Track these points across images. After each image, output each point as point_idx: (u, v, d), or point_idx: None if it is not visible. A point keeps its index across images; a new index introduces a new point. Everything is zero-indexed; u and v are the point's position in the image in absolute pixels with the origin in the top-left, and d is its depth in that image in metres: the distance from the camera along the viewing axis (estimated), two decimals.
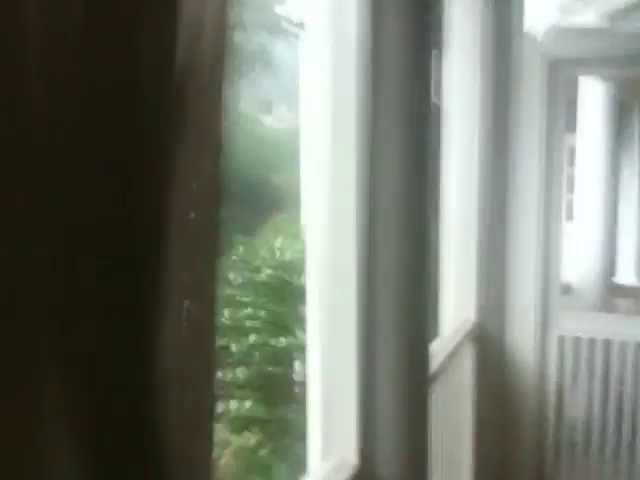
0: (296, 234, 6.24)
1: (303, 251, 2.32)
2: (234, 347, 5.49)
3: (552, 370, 3.73)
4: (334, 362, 2.09)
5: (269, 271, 5.79)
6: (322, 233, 2.06)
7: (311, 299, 2.12)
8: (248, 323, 5.56)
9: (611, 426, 3.80)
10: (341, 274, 2.06)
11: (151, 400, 0.82)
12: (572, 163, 7.54)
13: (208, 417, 1.01)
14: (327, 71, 1.89)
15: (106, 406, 0.79)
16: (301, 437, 2.25)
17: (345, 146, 1.96)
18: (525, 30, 3.52)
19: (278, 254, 5.97)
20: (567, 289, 6.55)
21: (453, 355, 2.89)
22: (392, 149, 2.03)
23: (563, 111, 3.69)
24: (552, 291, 3.69)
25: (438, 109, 3.09)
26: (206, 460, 0.98)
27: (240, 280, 5.94)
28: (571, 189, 7.57)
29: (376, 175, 2.03)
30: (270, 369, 5.46)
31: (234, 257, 5.71)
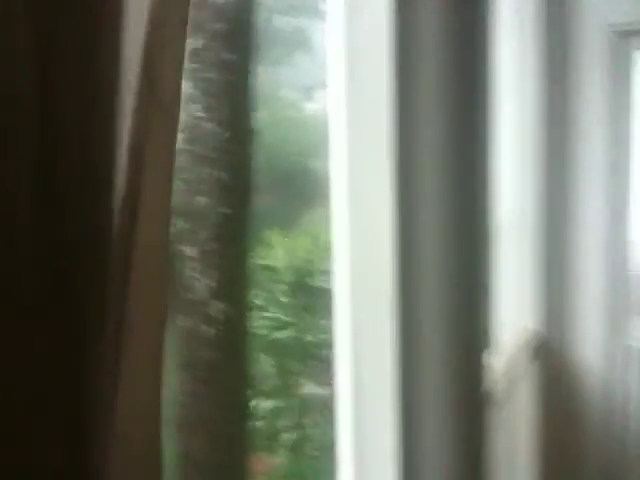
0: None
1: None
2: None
3: (621, 386, 3.38)
4: (367, 381, 1.82)
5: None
6: (351, 231, 1.79)
7: (339, 305, 1.86)
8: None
9: None
10: (374, 275, 1.79)
11: None
12: None
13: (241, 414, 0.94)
14: (354, 49, 1.62)
15: None
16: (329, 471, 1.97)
17: (377, 133, 1.68)
18: None
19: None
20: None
21: (511, 370, 2.56)
22: (433, 135, 1.77)
23: (630, 90, 3.31)
24: (621, 293, 3.33)
25: (486, 88, 2.78)
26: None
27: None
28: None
29: (415, 165, 1.76)
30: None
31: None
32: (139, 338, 0.75)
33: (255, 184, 3.68)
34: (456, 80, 1.75)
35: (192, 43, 3.45)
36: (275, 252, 5.68)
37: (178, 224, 3.59)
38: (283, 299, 5.72)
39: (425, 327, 1.81)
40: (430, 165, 1.74)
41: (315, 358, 5.09)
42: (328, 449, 1.89)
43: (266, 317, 5.21)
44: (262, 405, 4.80)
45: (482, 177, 2.19)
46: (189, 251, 3.46)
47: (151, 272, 0.77)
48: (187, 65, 3.37)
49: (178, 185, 3.94)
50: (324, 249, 5.71)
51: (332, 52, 1.95)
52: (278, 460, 4.78)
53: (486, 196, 2.85)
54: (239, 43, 3.51)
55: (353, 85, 1.71)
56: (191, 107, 3.49)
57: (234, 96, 3.48)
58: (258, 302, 5.09)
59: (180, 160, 3.73)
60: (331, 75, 1.92)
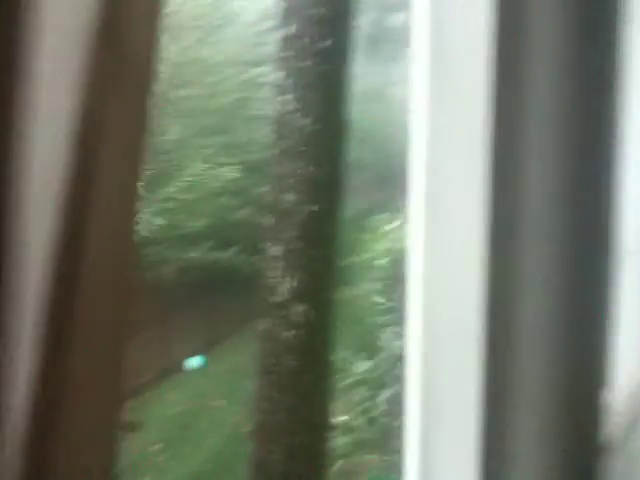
0: None
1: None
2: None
3: None
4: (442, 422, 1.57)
5: None
6: (432, 250, 1.54)
7: (412, 325, 1.61)
8: None
9: None
10: (459, 293, 1.54)
11: None
12: None
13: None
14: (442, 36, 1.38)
15: None
16: None
17: (472, 138, 1.42)
18: None
19: None
20: None
21: (631, 411, 2.22)
22: (541, 142, 1.50)
23: None
24: None
25: (612, 89, 2.46)
26: None
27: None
28: None
29: (517, 177, 1.50)
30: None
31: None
32: (88, 339, 0.59)
33: (346, 181, 3.44)
34: (575, 81, 1.46)
35: (284, 29, 3.26)
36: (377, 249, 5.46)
37: (264, 221, 3.41)
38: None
39: (527, 359, 1.52)
40: (537, 177, 1.46)
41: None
42: None
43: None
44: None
45: (604, 193, 1.87)
46: (273, 250, 3.28)
47: (107, 264, 0.59)
48: (279, 53, 3.16)
49: (265, 180, 3.77)
50: None
51: (421, 49, 1.67)
52: None
53: (608, 216, 2.50)
54: (336, 30, 3.28)
55: (442, 82, 1.46)
56: (282, 98, 3.29)
57: (328, 87, 3.26)
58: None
59: (268, 154, 3.56)
60: (420, 75, 1.65)
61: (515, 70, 1.43)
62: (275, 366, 3.22)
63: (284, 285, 3.19)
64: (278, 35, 3.33)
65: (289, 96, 3.24)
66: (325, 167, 3.27)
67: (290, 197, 3.22)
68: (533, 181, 1.47)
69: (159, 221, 11.25)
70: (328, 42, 3.19)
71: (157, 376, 11.15)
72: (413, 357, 1.59)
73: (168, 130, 11.86)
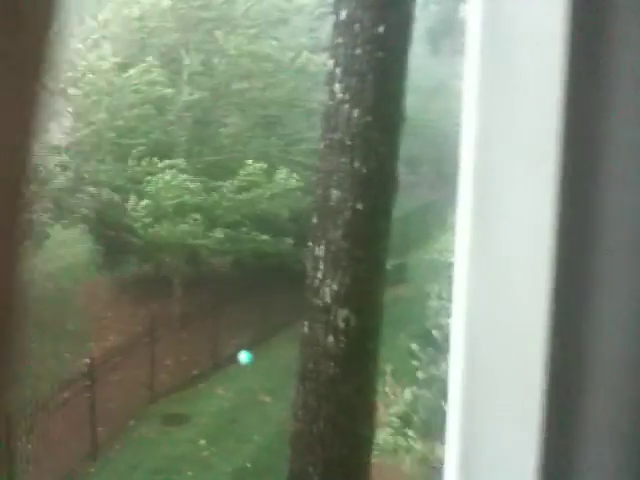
0: None
1: None
2: None
3: None
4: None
5: None
6: (484, 247, 1.28)
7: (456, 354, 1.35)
8: None
9: None
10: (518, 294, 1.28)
11: None
12: None
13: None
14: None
15: None
16: None
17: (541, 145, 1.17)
18: None
19: None
20: None
21: None
22: (624, 133, 1.21)
23: None
24: None
25: None
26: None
27: None
28: None
29: (593, 169, 1.23)
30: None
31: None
32: None
33: (397, 177, 3.20)
34: None
35: (334, 15, 3.05)
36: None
37: (310, 220, 3.21)
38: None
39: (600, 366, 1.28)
40: (617, 180, 1.22)
41: None
42: None
43: None
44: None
45: None
46: (318, 250, 3.07)
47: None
48: (328, 39, 2.93)
49: (311, 175, 3.57)
50: None
51: (477, 41, 1.40)
52: None
53: None
54: (391, 16, 3.05)
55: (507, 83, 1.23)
56: (331, 87, 3.08)
57: (382, 76, 3.03)
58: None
59: (314, 147, 3.35)
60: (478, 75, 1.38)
61: (593, 67, 1.20)
62: (314, 372, 3.03)
63: (326, 288, 2.99)
64: (332, 21, 3.13)
65: (338, 85, 3.03)
66: (373, 162, 3.05)
67: (335, 194, 3.01)
68: (613, 185, 1.23)
69: (216, 213, 11.19)
70: (381, 29, 2.96)
71: (206, 369, 11.10)
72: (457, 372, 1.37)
73: (227, 122, 11.77)
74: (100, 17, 12.15)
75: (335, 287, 2.93)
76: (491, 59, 1.27)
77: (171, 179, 10.82)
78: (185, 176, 10.89)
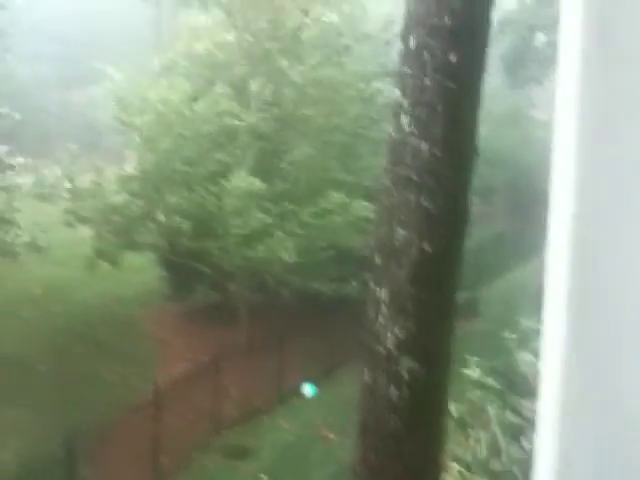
0: None
1: None
2: None
3: None
4: None
5: None
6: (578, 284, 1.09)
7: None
8: None
9: None
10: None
11: None
12: None
13: None
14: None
15: None
16: None
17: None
18: None
19: None
20: None
21: None
22: None
23: None
24: None
25: None
26: None
27: None
28: None
29: None
30: None
31: None
32: None
33: (469, 216, 2.97)
34: None
35: (401, 42, 2.86)
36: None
37: (374, 260, 2.99)
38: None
39: None
40: None
41: None
42: None
43: None
44: None
45: None
46: (380, 292, 2.86)
47: None
48: (395, 68, 2.69)
49: (376, 211, 3.35)
50: None
51: (571, 70, 1.19)
52: None
53: None
54: (465, 43, 2.84)
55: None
56: (397, 119, 2.88)
57: (453, 108, 2.81)
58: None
59: (381, 183, 3.12)
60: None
61: None
62: (375, 426, 2.80)
63: (389, 334, 2.76)
64: (399, 49, 2.93)
65: (405, 117, 2.82)
66: (443, 199, 2.82)
67: (400, 232, 2.80)
68: None
69: (287, 243, 11.05)
70: (452, 57, 2.75)
71: (270, 401, 10.93)
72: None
73: (294, 149, 11.70)
74: (169, 52, 12.35)
75: (399, 334, 2.71)
76: (591, 89, 1.03)
77: (241, 207, 10.78)
78: (255, 204, 10.84)
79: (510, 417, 4.62)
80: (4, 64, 16.13)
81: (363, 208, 10.83)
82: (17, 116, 12.07)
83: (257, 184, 10.68)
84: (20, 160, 11.78)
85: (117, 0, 21.35)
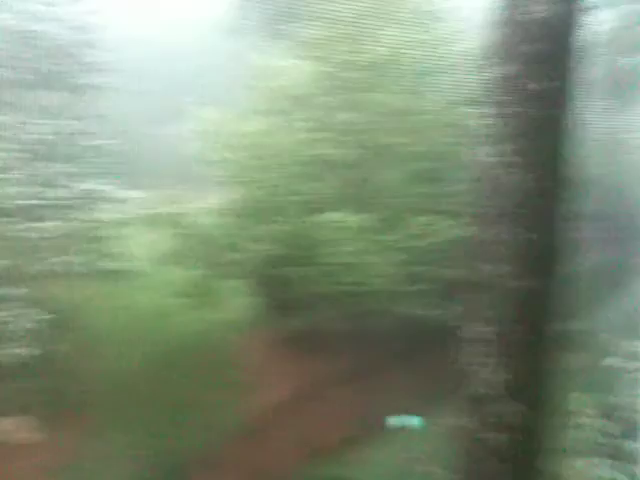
0: None
1: None
2: None
3: None
4: None
5: None
6: None
7: None
8: None
9: None
10: None
11: None
12: None
13: None
14: None
15: None
16: None
17: None
18: None
19: None
20: None
21: None
22: None
23: None
24: None
25: None
26: None
27: None
28: None
29: None
30: None
31: None
32: None
33: (575, 249, 2.81)
34: None
35: (489, 69, 2.75)
36: None
37: (469, 294, 2.87)
38: None
39: None
40: None
41: None
42: None
43: None
44: None
45: None
46: (481, 331, 2.73)
47: None
48: (487, 97, 2.59)
49: (467, 243, 3.22)
50: None
51: None
52: None
53: None
54: (556, 69, 2.71)
55: None
56: (487, 148, 2.77)
57: (544, 137, 2.68)
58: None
59: (469, 212, 3.00)
60: None
61: None
62: (476, 474, 2.66)
63: (491, 376, 2.63)
64: (489, 76, 2.83)
65: (496, 147, 2.71)
66: (543, 233, 2.68)
67: (488, 268, 2.67)
68: None
69: (387, 271, 10.96)
70: (545, 84, 2.62)
71: (371, 432, 10.74)
72: None
73: (382, 176, 11.63)
74: (254, 86, 12.61)
75: (505, 376, 2.57)
76: None
77: (335, 238, 10.81)
78: (350, 234, 10.84)
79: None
80: (111, 102, 16.76)
81: (453, 232, 10.67)
82: (124, 150, 12.55)
83: (351, 218, 10.70)
84: (122, 193, 12.19)
85: (202, 38, 21.94)
